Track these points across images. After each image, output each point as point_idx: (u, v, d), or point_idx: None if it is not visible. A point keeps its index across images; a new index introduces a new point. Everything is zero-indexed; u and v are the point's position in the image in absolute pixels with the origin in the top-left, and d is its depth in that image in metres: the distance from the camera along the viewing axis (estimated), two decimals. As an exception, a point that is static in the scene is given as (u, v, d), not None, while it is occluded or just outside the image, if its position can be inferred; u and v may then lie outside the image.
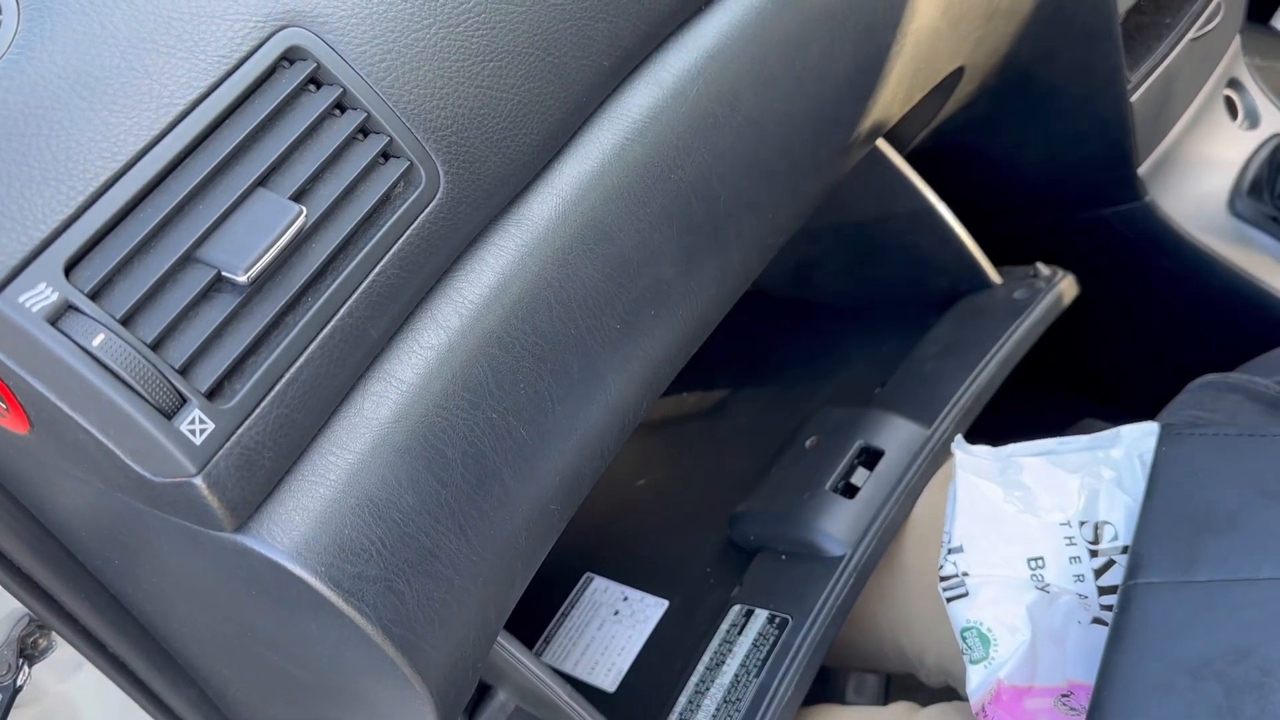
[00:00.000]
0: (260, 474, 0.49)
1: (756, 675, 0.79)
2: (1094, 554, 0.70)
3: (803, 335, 1.09)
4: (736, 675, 0.80)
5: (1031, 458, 0.74)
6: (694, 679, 0.81)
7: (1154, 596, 0.63)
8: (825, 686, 0.97)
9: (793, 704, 0.78)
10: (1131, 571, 0.65)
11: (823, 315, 1.12)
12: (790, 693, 0.78)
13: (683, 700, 0.80)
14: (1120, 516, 0.70)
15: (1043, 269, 1.02)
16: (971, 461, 0.75)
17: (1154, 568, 0.64)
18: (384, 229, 0.52)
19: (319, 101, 0.52)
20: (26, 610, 0.62)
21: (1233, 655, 0.59)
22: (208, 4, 0.52)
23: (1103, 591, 0.69)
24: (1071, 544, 0.71)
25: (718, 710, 0.78)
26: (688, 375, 0.72)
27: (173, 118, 0.49)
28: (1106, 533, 0.70)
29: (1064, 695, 0.69)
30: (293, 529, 0.50)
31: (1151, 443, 0.71)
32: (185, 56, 0.50)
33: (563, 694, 0.74)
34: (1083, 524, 0.71)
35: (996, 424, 0.92)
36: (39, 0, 0.50)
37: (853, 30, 0.73)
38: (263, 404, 0.49)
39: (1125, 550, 0.69)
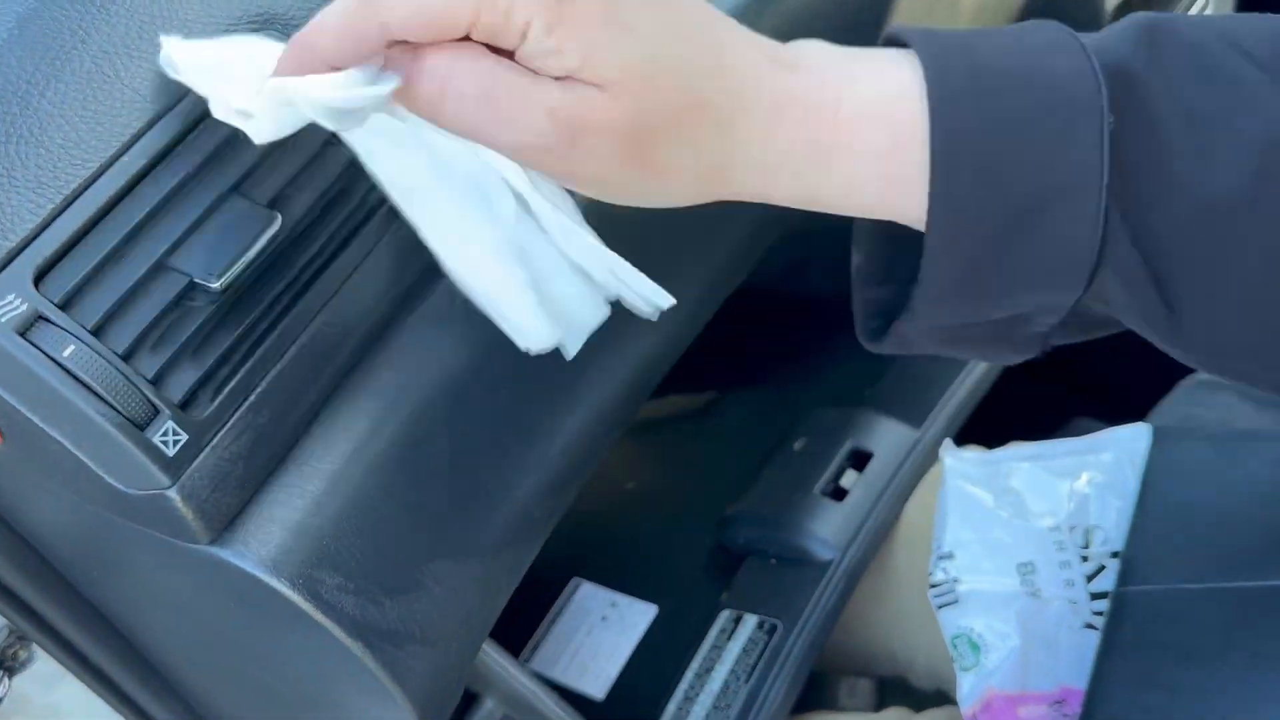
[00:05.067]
0: (235, 485, 0.49)
1: (745, 681, 0.78)
2: (1085, 559, 0.70)
3: (793, 335, 1.08)
4: (725, 682, 0.79)
5: (1021, 462, 0.73)
6: (683, 685, 0.80)
7: (1145, 602, 0.62)
8: (817, 691, 0.97)
9: (782, 710, 0.77)
10: (1123, 577, 0.64)
11: (813, 314, 1.11)
12: (780, 699, 0.77)
13: (671, 707, 0.79)
14: (1111, 521, 0.70)
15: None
16: (961, 467, 0.74)
17: (1145, 573, 0.64)
18: (361, 235, 0.52)
19: (295, 106, 0.51)
20: (5, 622, 0.61)
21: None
22: (181, 8, 0.51)
23: (1094, 597, 0.69)
24: (1062, 549, 0.70)
25: (707, 717, 0.78)
26: (676, 376, 0.71)
27: (145, 123, 0.49)
28: (1097, 537, 0.70)
29: (1057, 702, 0.68)
30: (269, 540, 0.50)
31: (1142, 446, 0.70)
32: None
33: (550, 702, 0.74)
34: (1073, 529, 0.70)
35: (987, 424, 0.91)
36: (8, 3, 0.49)
37: (838, 30, 0.72)
38: (237, 414, 0.48)
39: (1116, 555, 0.68)
